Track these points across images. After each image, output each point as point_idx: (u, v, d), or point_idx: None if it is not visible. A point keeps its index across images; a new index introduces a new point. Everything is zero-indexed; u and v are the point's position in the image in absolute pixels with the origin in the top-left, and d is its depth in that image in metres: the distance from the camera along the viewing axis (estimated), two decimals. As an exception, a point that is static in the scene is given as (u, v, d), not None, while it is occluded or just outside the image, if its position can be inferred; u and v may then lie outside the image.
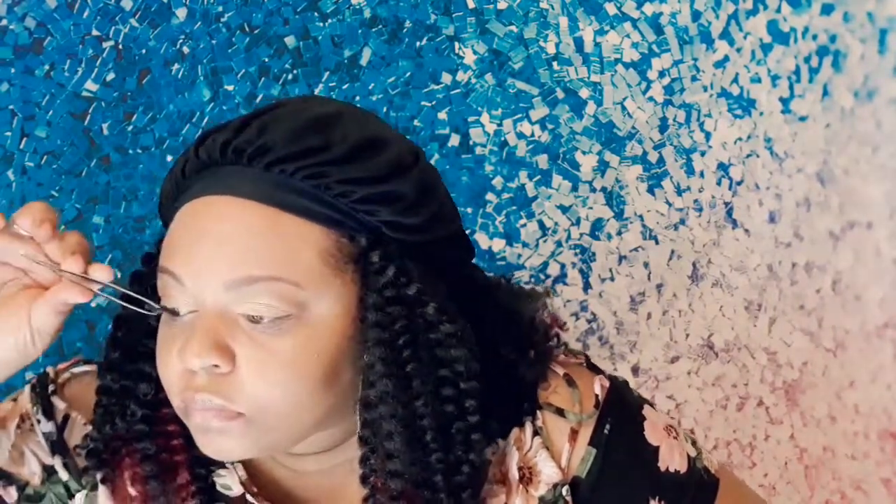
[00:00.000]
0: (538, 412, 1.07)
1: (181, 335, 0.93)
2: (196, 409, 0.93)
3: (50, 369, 1.11)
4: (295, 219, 0.94)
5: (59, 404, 1.08)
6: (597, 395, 1.08)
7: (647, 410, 1.11)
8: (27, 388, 1.10)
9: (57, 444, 1.07)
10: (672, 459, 1.09)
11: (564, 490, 1.07)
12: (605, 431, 1.07)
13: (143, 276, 1.03)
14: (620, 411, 1.09)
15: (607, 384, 1.10)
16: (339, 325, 0.95)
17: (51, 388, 1.09)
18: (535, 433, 1.07)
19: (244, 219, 0.93)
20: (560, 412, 1.07)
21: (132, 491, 1.04)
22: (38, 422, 1.07)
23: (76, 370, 1.12)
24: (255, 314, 0.92)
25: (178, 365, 0.93)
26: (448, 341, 0.98)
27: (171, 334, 0.95)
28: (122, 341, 1.03)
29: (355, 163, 0.95)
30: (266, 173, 0.94)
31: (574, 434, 1.07)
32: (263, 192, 0.94)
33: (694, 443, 1.13)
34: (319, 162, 0.94)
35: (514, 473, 1.06)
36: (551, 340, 1.12)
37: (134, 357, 1.03)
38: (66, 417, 1.08)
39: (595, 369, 1.12)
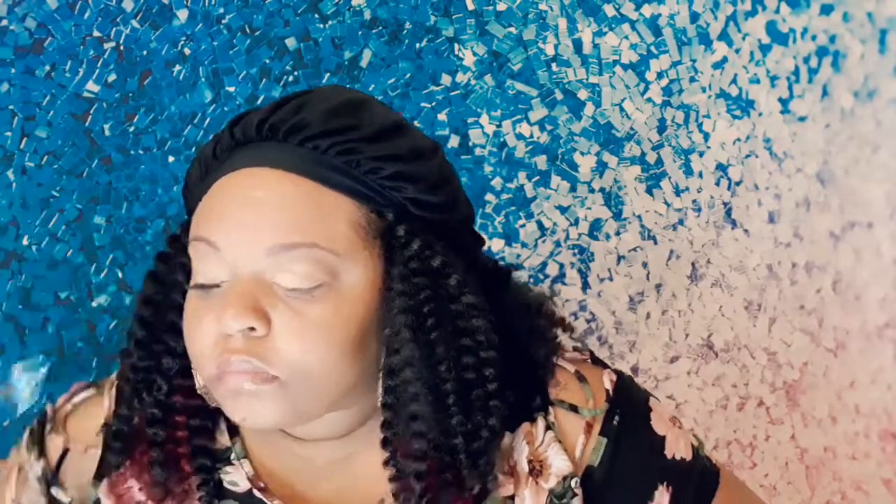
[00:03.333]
0: (550, 408, 1.10)
1: (217, 303, 0.96)
2: (231, 371, 0.95)
3: (49, 407, 1.14)
4: (328, 191, 0.98)
5: (57, 441, 1.11)
6: (607, 390, 1.12)
7: (652, 402, 1.14)
8: (25, 434, 1.13)
9: (53, 478, 1.10)
10: (678, 448, 1.12)
11: (574, 482, 1.08)
12: (615, 422, 1.10)
13: (169, 257, 1.06)
14: (629, 403, 1.12)
15: (615, 378, 1.13)
16: (367, 295, 0.99)
17: (48, 426, 1.12)
18: (548, 428, 1.09)
19: (284, 188, 0.97)
20: (574, 408, 1.10)
21: (136, 486, 1.06)
22: (31, 468, 1.10)
23: (77, 399, 1.15)
24: (292, 281, 0.95)
25: (213, 330, 0.96)
26: (469, 312, 1.02)
27: (205, 305, 0.97)
28: (149, 320, 1.05)
29: (385, 142, 1.00)
30: (300, 149, 0.98)
31: (589, 428, 1.10)
32: (300, 166, 0.98)
33: (695, 435, 1.17)
34: (351, 139, 0.98)
35: (524, 466, 1.08)
36: (558, 329, 1.15)
37: (159, 333, 1.05)
38: (66, 452, 1.11)
39: (601, 364, 1.16)
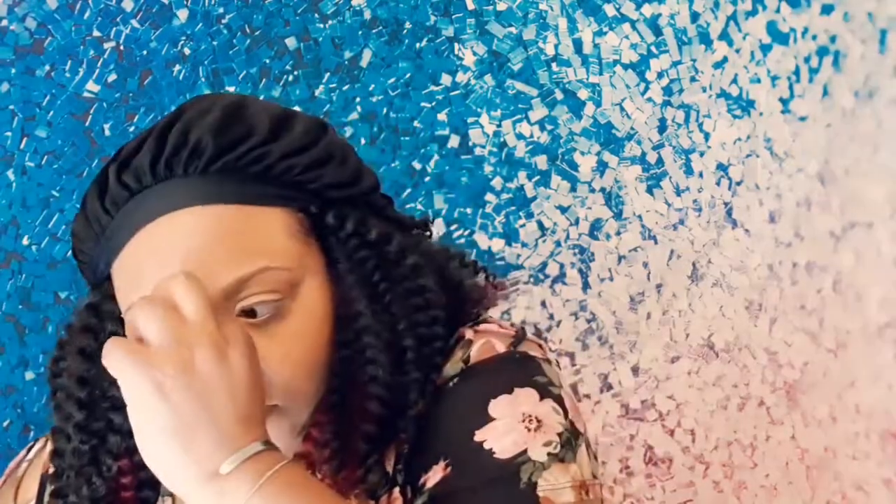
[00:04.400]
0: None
1: None
2: None
3: None
4: (254, 208, 0.94)
5: None
6: (470, 355, 1.01)
7: (522, 392, 0.97)
8: None
9: None
10: (498, 440, 0.94)
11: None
12: (451, 383, 1.00)
13: (94, 328, 1.01)
14: (481, 371, 1.00)
15: (501, 351, 1.01)
16: (323, 293, 0.97)
17: None
18: None
19: (211, 224, 0.93)
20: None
21: None
22: None
23: (31, 454, 1.14)
24: (254, 307, 0.93)
25: None
26: (414, 272, 1.01)
27: None
28: (86, 400, 1.01)
29: (284, 136, 0.97)
30: (207, 175, 0.94)
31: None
32: (215, 194, 0.94)
33: (562, 459, 0.94)
34: (254, 147, 0.95)
35: None
36: (481, 276, 1.12)
37: (100, 412, 1.01)
38: None
39: (515, 342, 1.02)
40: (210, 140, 0.94)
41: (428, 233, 1.11)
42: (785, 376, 1.91)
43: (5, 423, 1.49)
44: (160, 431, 0.80)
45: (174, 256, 0.92)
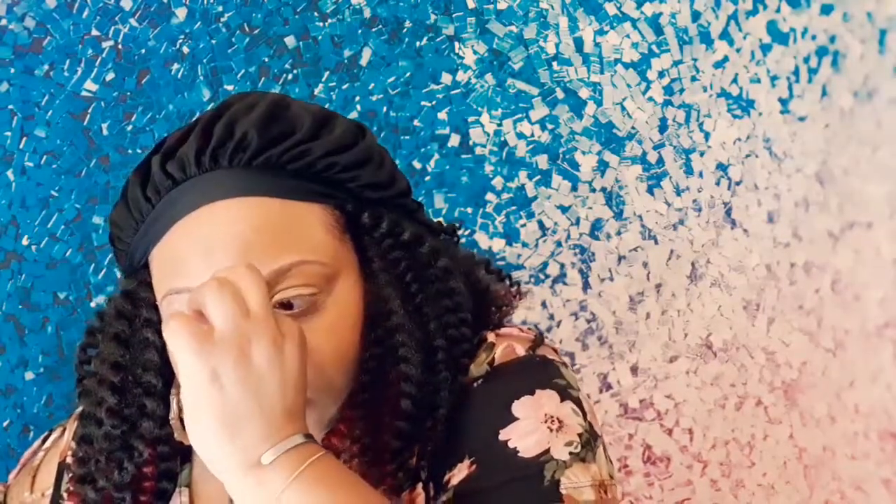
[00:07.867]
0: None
1: None
2: None
3: (0, 487, 1.14)
4: (295, 203, 0.96)
5: None
6: (495, 357, 1.04)
7: (544, 394, 0.99)
8: None
9: None
10: (522, 439, 0.96)
11: None
12: (476, 384, 1.02)
13: (129, 315, 1.02)
14: (504, 373, 1.02)
15: (521, 354, 1.04)
16: (355, 288, 0.99)
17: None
18: None
19: (252, 216, 0.94)
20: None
21: None
22: None
23: (48, 443, 1.15)
24: (290, 299, 0.94)
25: None
26: (445, 275, 1.04)
27: None
28: (120, 385, 1.02)
29: (325, 135, 0.99)
30: (249, 169, 0.96)
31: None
32: (259, 187, 0.95)
33: (583, 459, 0.97)
34: (297, 143, 0.97)
35: None
36: (505, 283, 1.15)
37: (133, 398, 1.02)
38: None
39: (533, 346, 1.05)
40: (255, 134, 0.96)
41: (455, 238, 1.13)
42: (783, 376, 1.91)
43: (5, 423, 1.49)
44: (211, 419, 0.83)
45: (215, 246, 0.94)
